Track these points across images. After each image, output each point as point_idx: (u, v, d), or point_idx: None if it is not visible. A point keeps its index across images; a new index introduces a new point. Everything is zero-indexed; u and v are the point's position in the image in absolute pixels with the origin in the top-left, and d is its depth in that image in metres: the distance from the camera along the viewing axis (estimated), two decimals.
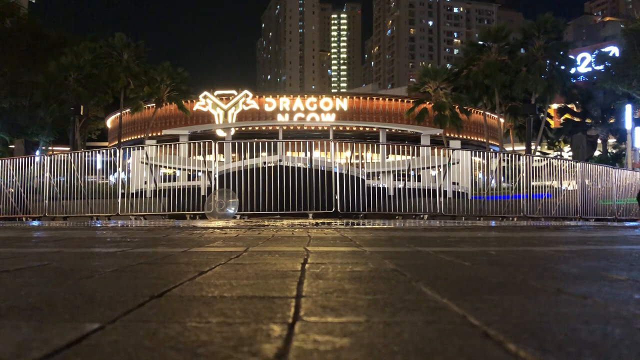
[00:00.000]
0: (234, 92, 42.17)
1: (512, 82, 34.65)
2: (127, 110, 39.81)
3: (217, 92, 41.78)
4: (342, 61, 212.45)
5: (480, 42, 37.59)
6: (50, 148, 40.96)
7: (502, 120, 38.60)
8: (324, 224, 8.82)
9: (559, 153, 51.17)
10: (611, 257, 3.17)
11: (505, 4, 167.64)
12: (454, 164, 14.34)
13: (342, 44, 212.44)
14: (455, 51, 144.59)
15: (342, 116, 42.40)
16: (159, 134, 39.70)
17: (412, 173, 16.12)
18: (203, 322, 1.25)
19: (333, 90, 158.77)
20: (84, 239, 5.12)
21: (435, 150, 17.51)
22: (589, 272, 2.35)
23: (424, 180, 15.87)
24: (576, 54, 54.37)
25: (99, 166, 15.88)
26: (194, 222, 10.86)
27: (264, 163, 13.83)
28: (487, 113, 41.49)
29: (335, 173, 12.69)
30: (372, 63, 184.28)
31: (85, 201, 13.80)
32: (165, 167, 16.53)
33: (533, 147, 34.17)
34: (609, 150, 47.79)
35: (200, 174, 15.46)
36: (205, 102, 40.39)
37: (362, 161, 17.97)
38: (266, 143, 18.42)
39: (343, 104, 43.69)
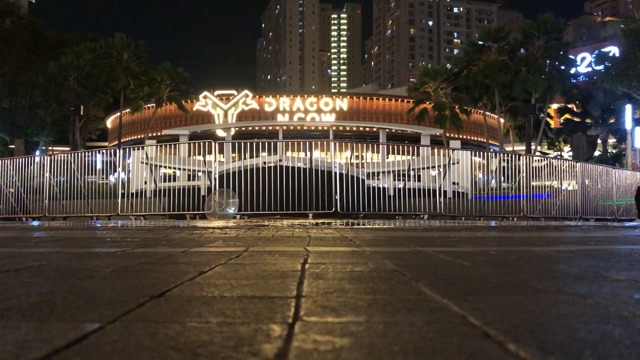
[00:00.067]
0: (234, 92, 42.13)
1: (512, 82, 34.62)
2: (127, 110, 39.78)
3: (217, 92, 41.73)
4: (342, 61, 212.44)
5: (480, 42, 37.53)
6: (50, 148, 40.95)
7: (502, 120, 38.57)
8: (324, 224, 8.82)
9: (559, 153, 51.15)
10: (611, 257, 3.17)
11: (505, 4, 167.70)
12: (454, 164, 14.34)
13: (342, 44, 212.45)
14: (455, 51, 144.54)
15: (342, 116, 42.37)
16: (159, 134, 39.71)
17: (412, 173, 16.13)
18: (203, 322, 1.25)
19: (333, 90, 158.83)
20: (83, 239, 5.12)
21: (435, 150, 17.51)
22: (589, 272, 2.35)
23: (424, 180, 15.87)
24: (576, 54, 54.31)
25: (99, 166, 15.89)
26: (194, 222, 10.86)
27: (264, 163, 13.83)
28: (487, 113, 41.47)
29: (335, 173, 12.69)
30: (372, 63, 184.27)
31: (85, 201, 13.81)
32: (165, 167, 16.54)
33: (533, 147, 34.17)
34: (609, 150, 47.76)
35: (200, 174, 15.47)
36: (205, 102, 40.35)
37: (362, 161, 17.97)
38: (266, 143, 18.42)
39: (343, 104, 43.66)
